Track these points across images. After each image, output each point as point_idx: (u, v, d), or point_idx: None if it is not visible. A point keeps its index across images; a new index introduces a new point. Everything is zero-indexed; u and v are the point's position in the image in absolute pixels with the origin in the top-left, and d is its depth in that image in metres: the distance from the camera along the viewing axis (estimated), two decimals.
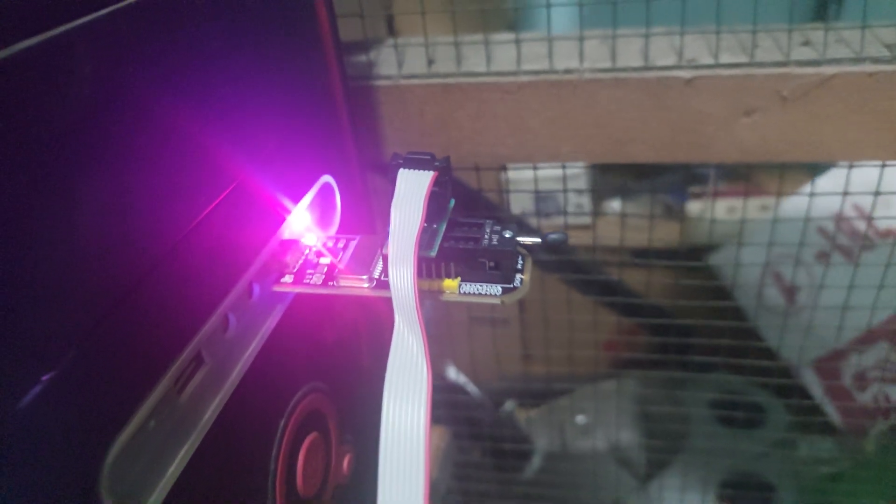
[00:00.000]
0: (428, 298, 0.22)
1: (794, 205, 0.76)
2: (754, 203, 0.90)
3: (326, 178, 0.27)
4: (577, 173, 0.94)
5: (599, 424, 0.83)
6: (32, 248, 0.14)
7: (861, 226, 0.76)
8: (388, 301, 0.21)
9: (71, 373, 0.15)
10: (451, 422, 0.69)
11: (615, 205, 1.00)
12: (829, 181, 0.75)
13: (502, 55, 0.38)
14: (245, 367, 0.21)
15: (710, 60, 0.34)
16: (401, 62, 0.38)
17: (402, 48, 0.39)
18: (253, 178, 0.22)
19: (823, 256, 0.77)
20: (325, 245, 0.24)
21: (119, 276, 0.16)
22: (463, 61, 0.37)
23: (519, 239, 0.23)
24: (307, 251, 0.24)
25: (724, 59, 0.34)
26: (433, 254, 0.22)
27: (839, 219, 0.76)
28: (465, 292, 0.22)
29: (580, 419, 0.84)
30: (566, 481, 0.78)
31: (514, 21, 0.73)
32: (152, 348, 0.18)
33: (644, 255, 0.83)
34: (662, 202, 0.98)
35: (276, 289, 0.23)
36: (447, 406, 0.66)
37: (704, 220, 0.94)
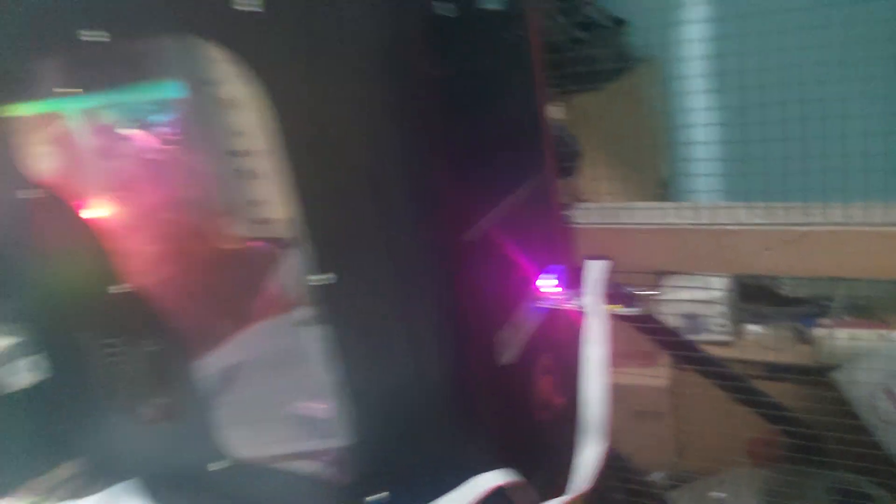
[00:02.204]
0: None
1: None
2: (873, 333, 1.06)
3: (558, 266, 0.63)
4: (721, 297, 1.18)
5: (733, 501, 1.02)
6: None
7: None
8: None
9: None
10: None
11: (752, 327, 1.23)
12: None
13: (626, 214, 0.73)
14: (528, 332, 0.57)
15: (746, 220, 0.67)
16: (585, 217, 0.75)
17: (584, 210, 0.76)
18: (528, 269, 0.59)
19: None
20: (556, 290, 0.60)
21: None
22: (607, 217, 0.73)
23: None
24: (549, 293, 0.60)
25: (756, 220, 0.67)
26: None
27: None
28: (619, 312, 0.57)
29: (716, 495, 1.04)
30: None
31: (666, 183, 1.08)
32: (513, 307, 0.54)
33: (777, 370, 1.05)
34: (794, 327, 1.20)
35: (538, 305, 0.59)
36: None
37: (829, 343, 1.12)
